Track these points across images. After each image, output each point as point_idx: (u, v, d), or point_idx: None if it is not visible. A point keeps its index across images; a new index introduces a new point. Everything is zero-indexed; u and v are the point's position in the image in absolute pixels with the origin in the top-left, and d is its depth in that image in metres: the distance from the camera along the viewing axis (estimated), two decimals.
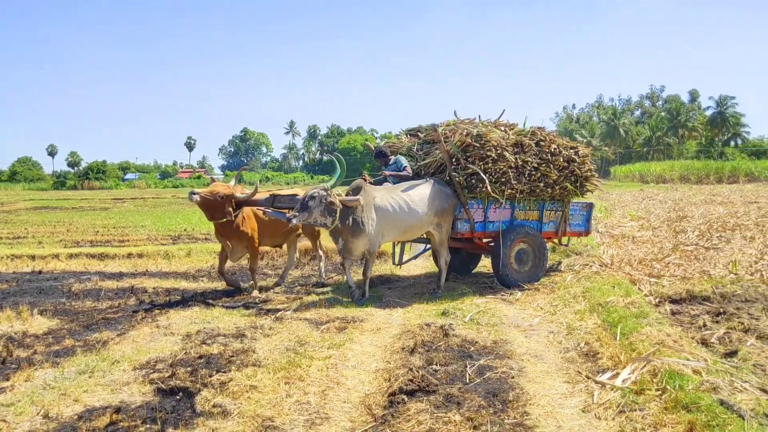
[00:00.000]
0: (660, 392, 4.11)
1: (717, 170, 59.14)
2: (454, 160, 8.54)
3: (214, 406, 4.25)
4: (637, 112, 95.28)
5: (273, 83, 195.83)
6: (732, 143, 77.70)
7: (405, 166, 8.91)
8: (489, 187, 8.33)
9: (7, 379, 4.91)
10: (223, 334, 6.19)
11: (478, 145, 8.47)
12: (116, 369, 5.13)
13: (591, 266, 9.34)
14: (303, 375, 4.95)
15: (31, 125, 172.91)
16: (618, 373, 4.63)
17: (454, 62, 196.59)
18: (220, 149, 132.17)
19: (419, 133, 9.63)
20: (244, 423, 4.01)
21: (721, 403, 3.70)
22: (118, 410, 4.17)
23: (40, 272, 10.54)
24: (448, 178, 8.55)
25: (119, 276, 10.01)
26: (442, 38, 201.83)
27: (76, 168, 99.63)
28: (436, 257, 9.81)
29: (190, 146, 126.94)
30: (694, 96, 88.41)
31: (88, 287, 9.03)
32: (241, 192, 8.19)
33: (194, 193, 7.63)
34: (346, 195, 7.83)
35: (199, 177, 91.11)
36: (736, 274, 8.48)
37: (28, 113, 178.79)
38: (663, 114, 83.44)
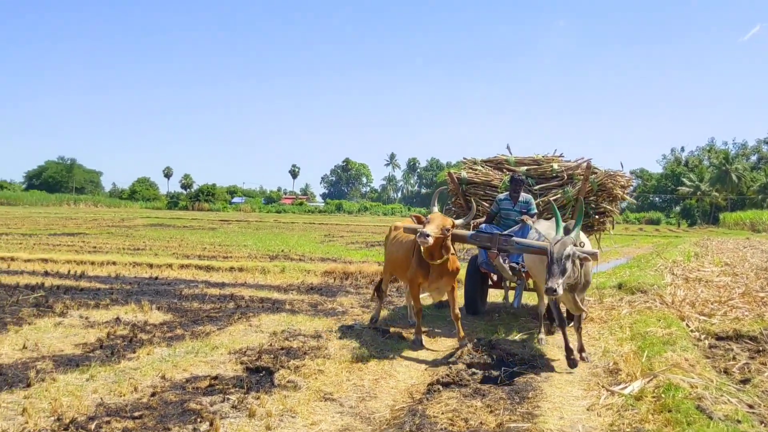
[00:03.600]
0: (655, 399, 4.83)
1: None
2: (591, 198, 8.61)
3: (288, 381, 5.37)
4: (754, 157, 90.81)
5: (375, 115, 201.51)
6: None
7: (535, 212, 8.07)
8: (612, 225, 8.91)
9: (134, 352, 6.27)
10: (303, 334, 7.33)
11: (611, 184, 8.68)
12: (215, 352, 6.37)
13: (648, 303, 9.82)
14: (362, 366, 6.00)
15: (149, 148, 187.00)
16: (628, 385, 5.35)
17: (556, 98, 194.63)
18: (322, 178, 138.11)
19: (506, 165, 9.18)
20: (310, 394, 5.09)
21: (698, 407, 4.40)
22: (215, 378, 5.37)
23: (156, 278, 12.20)
24: (569, 216, 8.29)
25: (221, 285, 11.47)
26: (547, 73, 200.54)
27: (188, 189, 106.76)
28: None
29: (294, 173, 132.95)
30: None
31: (196, 292, 10.50)
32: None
33: (427, 236, 6.18)
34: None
35: (301, 204, 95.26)
36: None
37: (147, 137, 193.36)
38: None
